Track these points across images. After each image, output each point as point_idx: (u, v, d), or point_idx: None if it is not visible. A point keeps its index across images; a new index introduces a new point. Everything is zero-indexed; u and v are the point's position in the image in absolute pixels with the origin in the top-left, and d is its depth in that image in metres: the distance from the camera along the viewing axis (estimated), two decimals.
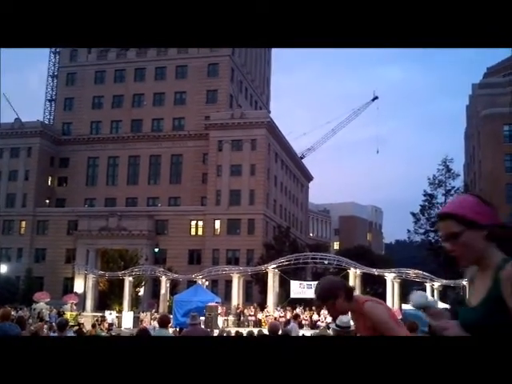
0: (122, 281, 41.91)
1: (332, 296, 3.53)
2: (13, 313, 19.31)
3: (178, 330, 23.10)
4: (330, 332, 16.62)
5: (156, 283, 48.44)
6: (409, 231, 57.67)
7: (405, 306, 33.79)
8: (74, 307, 41.76)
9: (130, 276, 41.61)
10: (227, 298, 43.32)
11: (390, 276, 36.67)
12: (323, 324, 32.36)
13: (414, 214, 56.71)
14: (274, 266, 38.37)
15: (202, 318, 30.52)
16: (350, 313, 3.67)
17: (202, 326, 25.39)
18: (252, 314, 35.39)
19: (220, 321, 33.71)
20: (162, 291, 40.86)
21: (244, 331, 19.20)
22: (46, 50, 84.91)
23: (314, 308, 35.43)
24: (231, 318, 36.31)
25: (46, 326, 21.62)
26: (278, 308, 36.04)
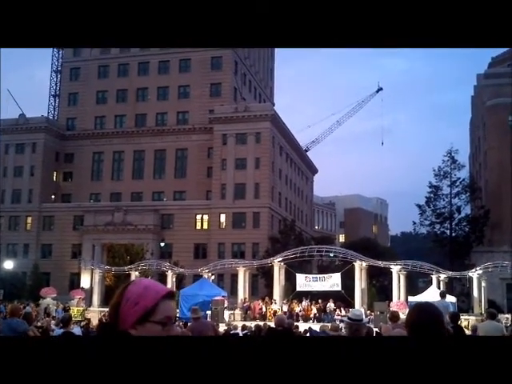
0: (129, 275, 42.02)
1: None
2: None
3: (182, 324, 23.11)
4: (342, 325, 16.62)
5: (162, 278, 48.54)
6: (414, 223, 57.68)
7: (411, 298, 33.80)
8: (82, 302, 41.89)
9: (136, 271, 41.73)
10: (233, 291, 43.38)
11: (395, 268, 36.56)
12: (339, 317, 32.29)
13: (419, 206, 56.68)
14: (280, 259, 38.32)
15: (209, 312, 30.66)
16: None
17: (209, 319, 25.51)
18: (259, 307, 35.44)
19: (226, 314, 33.80)
20: (168, 285, 40.90)
21: (251, 325, 19.24)
22: None
23: (319, 301, 35.42)
24: (238, 311, 36.37)
25: (53, 321, 21.71)
26: (284, 301, 36.07)
